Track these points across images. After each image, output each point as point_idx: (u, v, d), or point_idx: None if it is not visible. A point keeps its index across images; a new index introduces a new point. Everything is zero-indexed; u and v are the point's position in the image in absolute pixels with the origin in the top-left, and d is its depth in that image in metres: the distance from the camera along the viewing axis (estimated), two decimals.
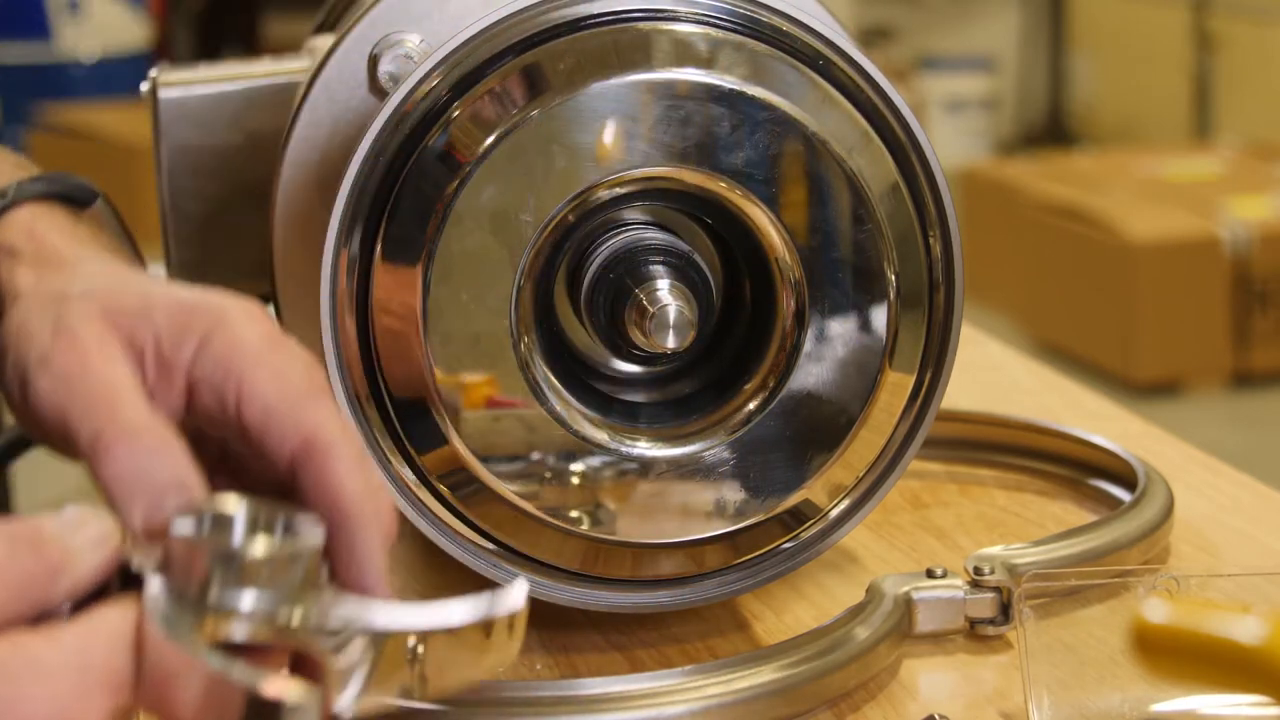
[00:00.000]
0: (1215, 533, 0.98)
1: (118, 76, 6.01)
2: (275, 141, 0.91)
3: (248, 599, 0.56)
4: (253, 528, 0.58)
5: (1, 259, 0.72)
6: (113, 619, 0.56)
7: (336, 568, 0.61)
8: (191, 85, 1.01)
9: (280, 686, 0.55)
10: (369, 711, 0.58)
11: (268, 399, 0.63)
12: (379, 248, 0.80)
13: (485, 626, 0.60)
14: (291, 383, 0.63)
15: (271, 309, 0.93)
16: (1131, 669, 0.70)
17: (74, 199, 0.77)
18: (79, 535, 0.57)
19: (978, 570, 0.86)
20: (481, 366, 0.81)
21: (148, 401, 0.63)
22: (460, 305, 0.80)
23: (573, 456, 0.82)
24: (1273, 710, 0.65)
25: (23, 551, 0.55)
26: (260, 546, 0.57)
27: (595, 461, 0.82)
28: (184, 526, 0.58)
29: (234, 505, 0.59)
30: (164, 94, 1.01)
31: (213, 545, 0.57)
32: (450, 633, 0.59)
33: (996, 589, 0.85)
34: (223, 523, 0.58)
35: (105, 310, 0.64)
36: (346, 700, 0.57)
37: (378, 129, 0.80)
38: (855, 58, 0.83)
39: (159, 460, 0.60)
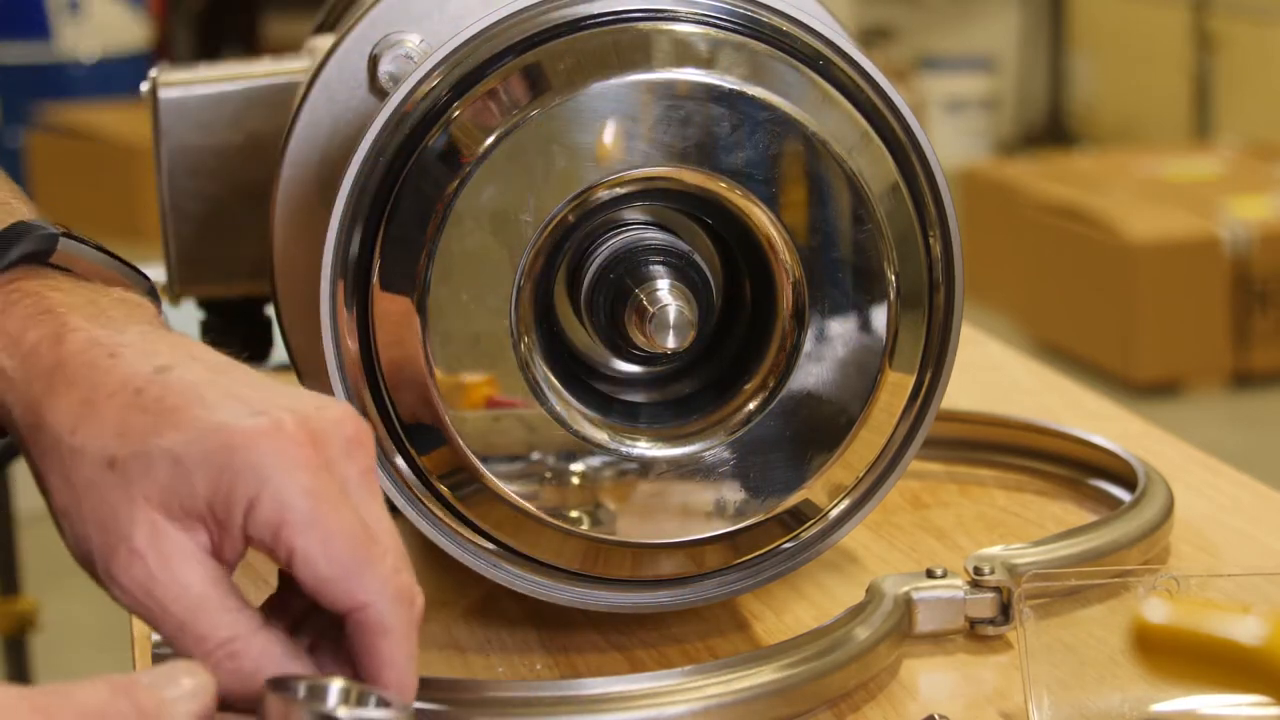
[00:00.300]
0: (1215, 533, 0.98)
1: (118, 76, 6.01)
2: (275, 141, 0.91)
3: None
4: (345, 698, 0.63)
5: None
6: None
7: None
8: (191, 85, 1.01)
9: None
10: None
11: (318, 570, 0.64)
12: (379, 248, 0.80)
13: None
14: (340, 553, 0.64)
15: (272, 310, 0.93)
16: (1131, 669, 0.70)
17: (38, 253, 0.73)
18: (175, 688, 0.59)
19: (978, 570, 0.86)
20: (481, 366, 0.81)
21: (229, 588, 0.65)
22: (460, 305, 0.80)
23: (573, 456, 0.82)
24: (1273, 710, 0.65)
25: (120, 698, 0.58)
26: (351, 712, 0.62)
27: (595, 461, 0.82)
28: (283, 689, 0.62)
29: (331, 678, 0.64)
30: (164, 94, 1.01)
31: (308, 707, 0.62)
32: None
33: (996, 589, 0.85)
34: (318, 691, 0.63)
35: (147, 498, 0.64)
36: None
37: (378, 129, 0.80)
38: (855, 58, 0.83)
39: (263, 666, 0.64)
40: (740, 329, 0.86)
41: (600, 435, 0.82)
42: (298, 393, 0.68)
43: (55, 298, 0.70)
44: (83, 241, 0.75)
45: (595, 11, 0.82)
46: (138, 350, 0.67)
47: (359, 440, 0.67)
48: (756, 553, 0.85)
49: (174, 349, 0.68)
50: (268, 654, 0.64)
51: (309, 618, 0.68)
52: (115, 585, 0.64)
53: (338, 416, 0.67)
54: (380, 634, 0.64)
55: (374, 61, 0.87)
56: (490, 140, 0.79)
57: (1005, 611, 0.85)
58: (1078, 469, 1.04)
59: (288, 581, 0.67)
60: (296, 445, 0.64)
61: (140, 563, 0.64)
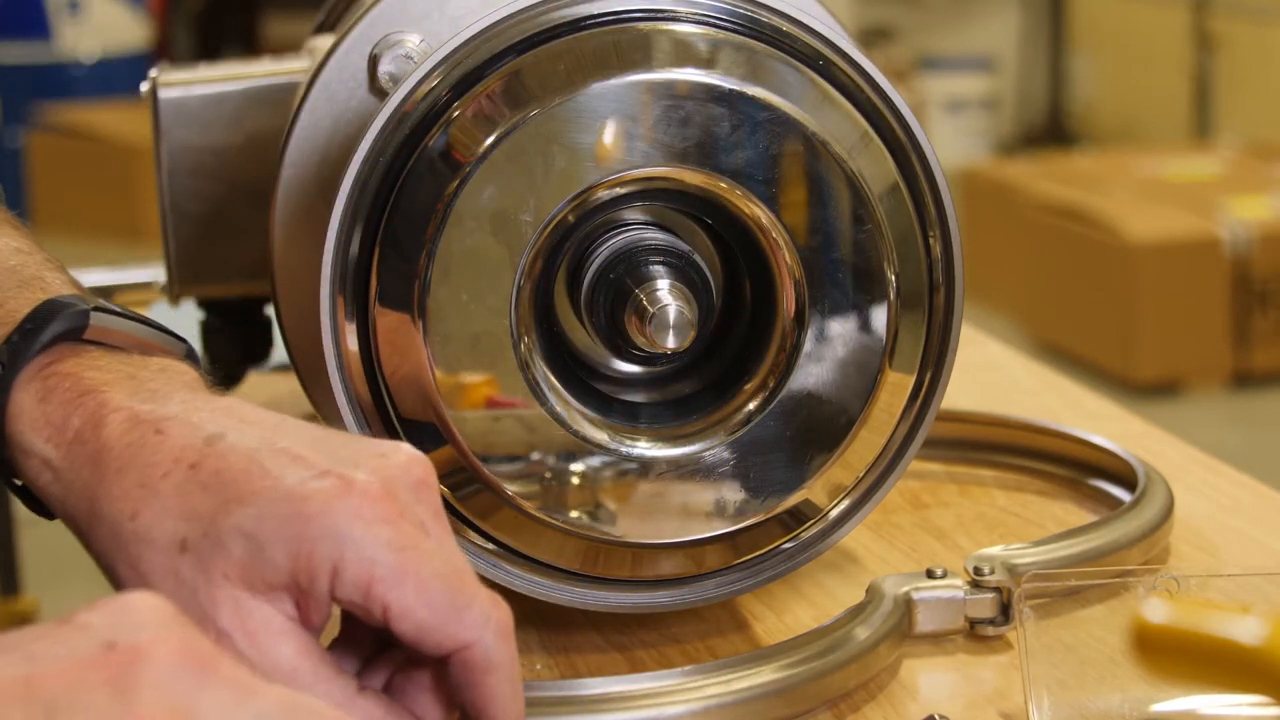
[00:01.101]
0: (1215, 533, 0.98)
1: (118, 76, 6.02)
2: (275, 141, 0.91)
3: None
4: None
5: (24, 461, 0.68)
6: None
7: None
8: (191, 85, 1.01)
9: None
10: None
11: (418, 619, 0.63)
12: (379, 248, 0.80)
13: None
14: (437, 599, 0.63)
15: (272, 310, 0.93)
16: (1131, 669, 0.70)
17: (72, 330, 0.71)
18: None
19: (978, 570, 0.85)
20: (481, 366, 0.81)
21: (321, 657, 0.64)
22: (460, 305, 0.80)
23: (573, 456, 0.82)
24: (1273, 710, 0.65)
25: None
26: None
27: (595, 461, 0.82)
28: None
29: None
30: (164, 94, 1.01)
31: None
32: None
33: (996, 589, 0.85)
34: None
35: (226, 576, 0.63)
36: None
37: (378, 129, 0.80)
38: (855, 58, 0.83)
39: None
40: (740, 329, 0.86)
41: (600, 435, 0.82)
42: (355, 442, 0.66)
43: (93, 377, 0.69)
44: (115, 312, 0.73)
45: (595, 11, 0.82)
46: (183, 422, 0.66)
47: (426, 482, 0.66)
48: (756, 553, 0.85)
49: (221, 414, 0.67)
50: (371, 718, 0.64)
51: (382, 654, 0.67)
52: None
53: (404, 462, 0.66)
54: (487, 671, 0.63)
55: (374, 61, 0.87)
56: (490, 140, 0.79)
57: (1005, 611, 0.85)
58: (1078, 469, 1.04)
59: (353, 620, 0.66)
60: (370, 501, 0.63)
61: (228, 642, 0.63)
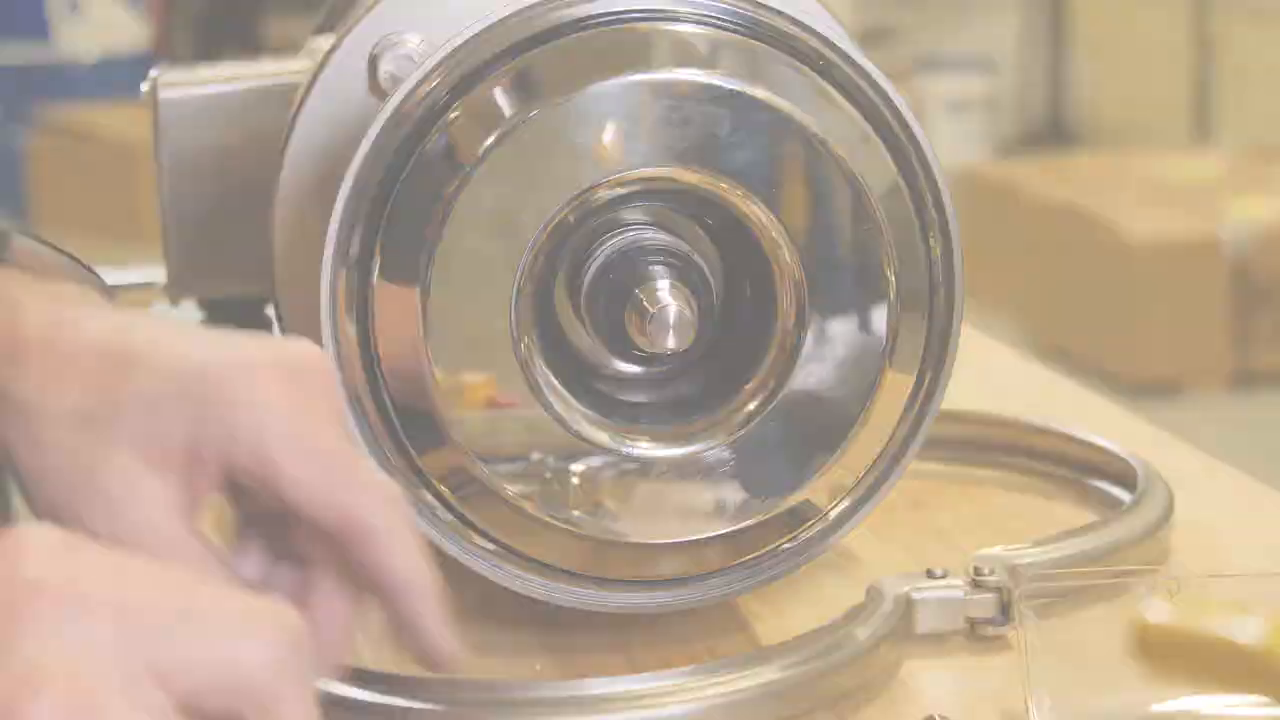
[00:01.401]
0: (1215, 533, 0.98)
1: (118, 77, 6.01)
2: (275, 141, 0.91)
3: None
4: None
5: None
6: None
7: (404, 638, 0.65)
8: (191, 86, 1.01)
9: None
10: None
11: (309, 485, 0.64)
12: (379, 248, 0.80)
13: None
14: (329, 466, 0.64)
15: (272, 310, 0.93)
16: (1132, 669, 0.70)
17: None
18: None
19: (978, 570, 0.85)
20: (481, 367, 0.81)
21: (200, 536, 0.65)
22: (460, 306, 0.80)
23: (573, 456, 0.82)
24: (1273, 710, 0.65)
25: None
26: None
27: (595, 461, 0.82)
28: None
29: None
30: (164, 94, 1.01)
31: None
32: None
33: (997, 589, 0.85)
34: None
35: (117, 443, 0.64)
36: None
37: (378, 129, 0.80)
38: (855, 58, 0.83)
39: None
40: (740, 329, 0.86)
41: (601, 435, 0.82)
42: (263, 335, 0.69)
43: (12, 289, 0.71)
44: (38, 241, 0.75)
45: (595, 11, 0.82)
46: (100, 320, 0.68)
47: (328, 374, 0.68)
48: (756, 553, 0.85)
49: (136, 316, 0.69)
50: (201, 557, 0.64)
51: (281, 563, 0.68)
52: (88, 535, 0.63)
53: (306, 351, 0.68)
54: (373, 536, 0.64)
55: (374, 61, 0.86)
56: (490, 140, 0.79)
57: (1005, 612, 0.85)
58: (1078, 469, 1.04)
59: (247, 531, 0.67)
60: (271, 373, 0.65)
61: (117, 510, 0.64)
